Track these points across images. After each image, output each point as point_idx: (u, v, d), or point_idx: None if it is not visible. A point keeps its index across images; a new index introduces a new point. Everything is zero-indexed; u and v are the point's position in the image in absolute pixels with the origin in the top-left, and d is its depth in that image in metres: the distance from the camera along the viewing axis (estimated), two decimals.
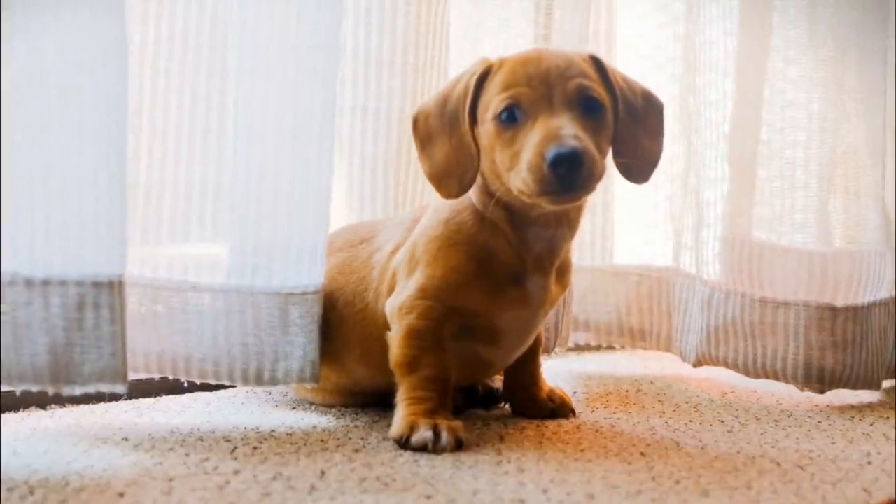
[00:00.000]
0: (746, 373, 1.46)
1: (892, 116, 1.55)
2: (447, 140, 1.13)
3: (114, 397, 1.28)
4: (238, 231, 1.19)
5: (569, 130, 1.03)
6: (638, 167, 1.16)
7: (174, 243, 1.20)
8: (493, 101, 1.09)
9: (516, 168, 1.05)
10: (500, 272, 1.14)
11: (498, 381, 1.33)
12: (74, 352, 1.02)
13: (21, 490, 0.91)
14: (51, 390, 1.02)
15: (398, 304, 1.14)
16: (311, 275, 1.19)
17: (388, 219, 1.32)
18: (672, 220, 1.60)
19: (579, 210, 1.16)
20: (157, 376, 1.21)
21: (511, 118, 1.07)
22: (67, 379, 1.02)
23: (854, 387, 1.43)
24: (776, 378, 1.44)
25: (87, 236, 1.03)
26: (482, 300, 1.14)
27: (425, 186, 1.43)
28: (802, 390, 1.44)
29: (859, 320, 1.43)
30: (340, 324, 1.22)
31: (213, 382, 1.20)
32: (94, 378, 1.03)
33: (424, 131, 1.15)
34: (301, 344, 1.19)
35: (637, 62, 1.65)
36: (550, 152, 1.01)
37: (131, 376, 1.24)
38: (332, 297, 1.22)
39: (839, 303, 1.42)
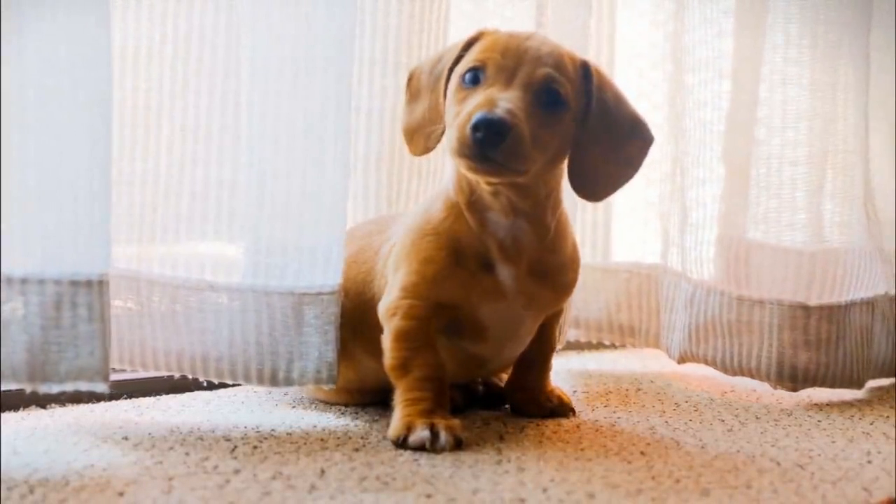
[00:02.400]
0: (724, 370, 1.47)
1: (875, 115, 1.56)
2: (428, 98, 1.15)
3: (113, 396, 1.28)
4: (253, 230, 1.19)
5: (505, 104, 1.04)
6: (592, 185, 1.15)
7: (191, 242, 1.20)
8: (464, 62, 1.10)
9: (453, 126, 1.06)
10: (470, 259, 1.14)
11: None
12: (51, 350, 1.02)
13: (21, 489, 0.91)
14: (28, 388, 1.02)
15: (386, 307, 1.15)
16: (327, 275, 1.19)
17: (405, 212, 1.32)
18: (661, 218, 1.60)
19: (535, 203, 1.14)
20: (176, 375, 1.21)
21: (473, 80, 1.08)
22: (44, 377, 1.02)
23: (831, 385, 1.43)
24: (751, 376, 1.45)
25: (67, 235, 1.03)
26: (458, 290, 1.13)
27: (419, 186, 1.44)
28: (775, 388, 1.44)
29: (835, 319, 1.43)
30: (351, 313, 1.22)
31: (229, 382, 1.21)
32: (72, 376, 1.03)
33: (415, 87, 1.18)
34: (316, 344, 1.19)
35: (635, 60, 1.65)
36: (476, 115, 1.02)
37: (150, 374, 1.26)
38: (346, 287, 1.22)
39: (812, 301, 1.43)
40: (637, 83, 1.64)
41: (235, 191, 1.20)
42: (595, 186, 1.16)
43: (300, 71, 1.17)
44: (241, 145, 1.19)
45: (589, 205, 1.61)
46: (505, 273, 1.14)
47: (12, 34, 0.99)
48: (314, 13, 1.16)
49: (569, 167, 1.14)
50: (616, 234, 1.68)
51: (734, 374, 1.46)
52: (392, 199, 1.42)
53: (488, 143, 1.02)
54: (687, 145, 1.51)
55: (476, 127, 1.02)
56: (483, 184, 1.11)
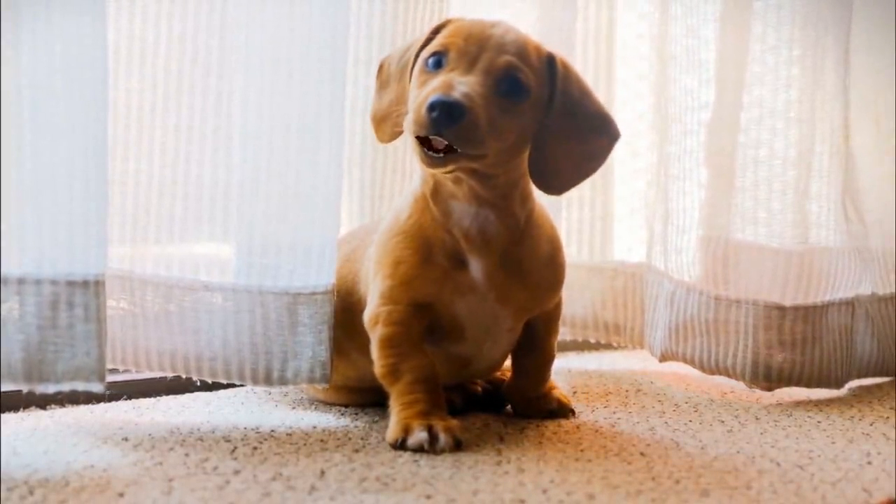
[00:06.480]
0: (702, 369, 1.48)
1: (861, 116, 1.57)
2: (396, 85, 1.15)
3: (113, 397, 1.28)
4: (246, 231, 1.19)
5: (463, 87, 1.03)
6: (550, 177, 1.14)
7: (185, 242, 1.21)
8: (429, 47, 1.10)
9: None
10: (440, 254, 1.13)
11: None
12: (48, 350, 1.02)
13: (21, 490, 0.91)
14: (24, 388, 1.02)
15: (368, 316, 1.15)
16: (320, 275, 1.19)
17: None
18: (647, 218, 1.61)
19: (501, 194, 1.13)
20: (170, 374, 1.22)
21: (436, 65, 1.08)
22: (41, 377, 1.02)
23: (807, 385, 1.45)
24: (727, 375, 1.46)
25: (64, 235, 1.03)
26: (431, 288, 1.13)
27: (404, 184, 1.44)
28: (750, 388, 1.46)
29: (810, 320, 1.44)
30: (344, 313, 1.22)
31: (223, 382, 1.21)
32: (69, 376, 1.03)
33: (384, 76, 1.18)
34: (310, 344, 1.19)
35: (637, 63, 1.64)
36: (432, 97, 1.02)
37: (150, 375, 1.27)
38: (338, 286, 1.22)
39: (788, 302, 1.44)
40: (637, 85, 1.64)
41: (229, 191, 1.20)
42: (553, 179, 1.14)
43: (294, 71, 1.17)
44: (234, 145, 1.19)
45: (573, 202, 1.62)
46: (475, 266, 1.14)
47: (9, 34, 0.99)
48: (308, 13, 1.16)
49: (528, 158, 1.13)
50: (610, 233, 1.68)
51: (712, 373, 1.47)
52: (376, 198, 1.42)
53: (442, 124, 1.01)
54: (671, 147, 1.51)
55: (432, 107, 1.01)
56: (425, 162, 1.08)
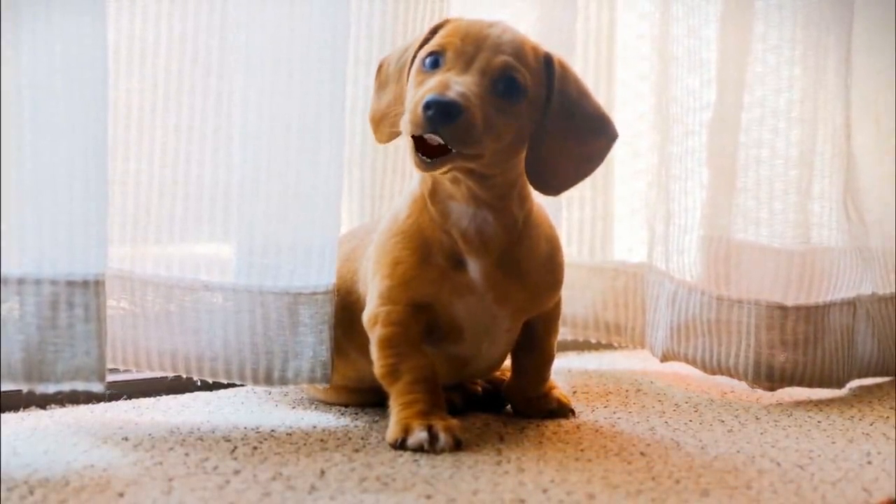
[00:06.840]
0: (704, 369, 1.48)
1: (862, 116, 1.58)
2: (395, 86, 1.15)
3: (113, 397, 1.28)
4: (246, 231, 1.19)
5: (459, 87, 1.03)
6: (547, 177, 1.13)
7: (185, 242, 1.21)
8: (426, 47, 1.10)
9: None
10: (438, 255, 1.13)
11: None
12: (48, 350, 1.02)
13: (21, 490, 0.91)
14: (25, 388, 1.02)
15: (367, 316, 1.15)
16: (321, 275, 1.19)
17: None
18: (648, 218, 1.61)
19: (499, 195, 1.13)
20: (170, 374, 1.22)
21: (434, 65, 1.08)
22: (41, 377, 1.02)
23: (809, 385, 1.45)
24: (729, 375, 1.46)
25: (64, 235, 1.03)
26: (430, 288, 1.13)
27: (403, 184, 1.44)
28: (752, 388, 1.46)
29: (812, 320, 1.44)
30: (343, 312, 1.22)
31: (224, 381, 1.21)
32: (69, 376, 1.03)
33: (383, 77, 1.18)
34: (311, 344, 1.19)
35: (639, 63, 1.64)
36: (428, 96, 1.02)
37: (150, 374, 1.27)
38: (338, 285, 1.22)
39: (790, 302, 1.44)
40: (638, 86, 1.64)
41: (229, 191, 1.20)
42: (551, 179, 1.14)
43: (294, 71, 1.17)
44: (234, 145, 1.19)
45: (574, 202, 1.62)
46: (473, 266, 1.14)
47: (9, 34, 0.99)
48: (308, 13, 1.17)
49: (525, 158, 1.12)
50: (611, 233, 1.68)
51: (713, 373, 1.47)
52: (376, 198, 1.43)
53: (438, 122, 1.01)
54: (672, 148, 1.51)
55: (427, 106, 1.01)
56: (420, 163, 1.08)
